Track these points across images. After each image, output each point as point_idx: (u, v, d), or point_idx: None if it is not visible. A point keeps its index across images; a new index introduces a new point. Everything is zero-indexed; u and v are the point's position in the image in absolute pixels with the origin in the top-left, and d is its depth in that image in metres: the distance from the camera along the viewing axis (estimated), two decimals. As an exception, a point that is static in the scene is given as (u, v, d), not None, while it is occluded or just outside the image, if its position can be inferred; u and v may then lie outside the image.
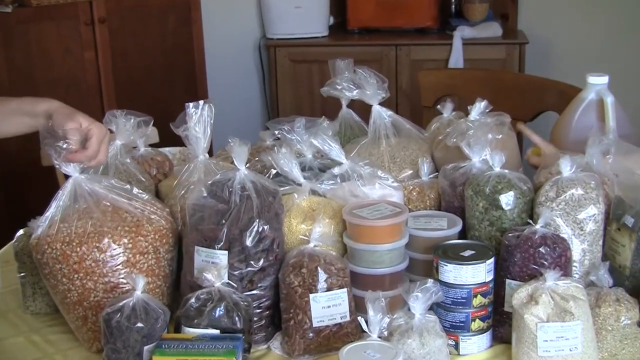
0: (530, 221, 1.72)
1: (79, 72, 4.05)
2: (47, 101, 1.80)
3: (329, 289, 1.67)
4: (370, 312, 1.52)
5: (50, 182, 2.79)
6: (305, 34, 4.70)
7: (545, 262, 1.64)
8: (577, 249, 1.73)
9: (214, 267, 1.65)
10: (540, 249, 1.65)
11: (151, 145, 2.25)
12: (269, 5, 4.74)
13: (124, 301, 1.59)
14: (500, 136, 2.02)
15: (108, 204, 1.73)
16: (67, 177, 1.77)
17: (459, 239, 1.81)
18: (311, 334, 1.67)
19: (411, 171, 2.09)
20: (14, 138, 1.89)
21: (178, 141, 2.03)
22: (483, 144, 1.91)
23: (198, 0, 4.53)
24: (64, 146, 1.68)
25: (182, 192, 1.88)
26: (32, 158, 2.89)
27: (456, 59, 4.45)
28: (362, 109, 2.25)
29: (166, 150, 2.38)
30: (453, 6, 4.81)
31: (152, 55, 4.36)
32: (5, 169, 3.71)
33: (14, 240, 1.95)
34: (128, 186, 1.79)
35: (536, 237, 1.66)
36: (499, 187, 1.78)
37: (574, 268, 1.72)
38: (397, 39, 4.59)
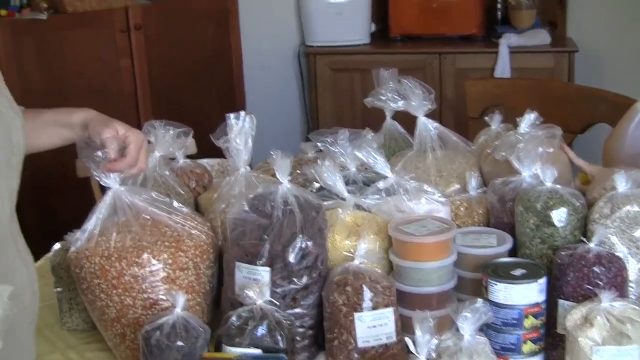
0: (584, 239, 1.71)
1: (114, 80, 4.09)
2: (83, 111, 1.82)
3: (374, 308, 1.66)
4: (418, 333, 1.51)
5: (85, 194, 2.81)
6: (346, 41, 4.70)
7: (601, 283, 1.62)
8: (634, 269, 1.71)
9: (255, 284, 1.65)
10: (595, 268, 1.63)
11: (189, 157, 2.26)
12: (309, 12, 4.76)
13: (164, 319, 1.59)
14: (552, 150, 2.00)
15: (148, 217, 1.74)
16: (104, 189, 1.78)
17: (509, 257, 1.79)
18: (356, 355, 1.67)
19: (459, 186, 2.09)
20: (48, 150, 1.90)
21: (216, 152, 2.04)
22: (534, 158, 1.90)
23: (236, 7, 4.55)
24: (103, 156, 1.69)
25: (223, 206, 1.89)
26: (65, 170, 2.91)
27: (503, 68, 4.43)
28: (406, 120, 2.25)
29: (204, 162, 2.39)
30: (499, 13, 4.79)
31: (189, 64, 4.39)
32: (39, 181, 3.75)
33: (50, 254, 1.96)
34: (168, 199, 1.80)
35: (590, 255, 1.65)
36: (551, 204, 1.77)
37: (630, 289, 1.70)
38: (441, 47, 4.58)
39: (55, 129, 1.83)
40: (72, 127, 1.80)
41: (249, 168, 1.94)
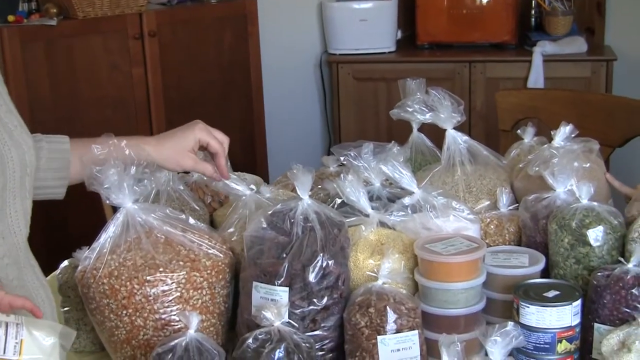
0: (622, 259, 1.70)
1: (126, 89, 4.11)
2: (145, 144, 1.87)
3: (398, 331, 1.66)
4: (444, 357, 1.51)
5: (95, 207, 2.82)
6: (370, 49, 4.71)
7: (639, 305, 1.62)
8: (675, 291, 1.71)
9: (273, 305, 1.65)
10: (634, 290, 1.63)
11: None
12: (332, 18, 4.77)
13: (176, 340, 1.60)
14: (588, 165, 2.00)
15: (160, 235, 1.74)
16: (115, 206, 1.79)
17: (541, 277, 1.79)
18: (379, 380, 1.67)
19: (489, 202, 2.08)
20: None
21: (232, 165, 2.05)
22: (569, 173, 1.90)
23: (255, 13, 4.56)
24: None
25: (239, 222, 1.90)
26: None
27: (536, 78, 4.42)
28: (434, 132, 2.25)
29: (221, 175, 2.40)
30: (533, 19, 4.78)
31: (205, 72, 4.41)
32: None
33: (57, 272, 1.97)
34: (184, 216, 1.81)
35: (628, 277, 1.65)
36: (586, 221, 1.77)
37: (670, 312, 1.70)
38: (471, 55, 4.58)
39: None
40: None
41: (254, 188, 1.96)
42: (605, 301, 1.65)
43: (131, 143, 1.80)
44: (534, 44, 4.49)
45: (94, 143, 1.77)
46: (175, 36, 4.25)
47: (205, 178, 2.13)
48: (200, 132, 1.89)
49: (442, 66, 4.56)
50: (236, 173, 2.44)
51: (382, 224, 1.89)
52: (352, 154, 1.99)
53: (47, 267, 2.05)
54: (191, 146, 1.89)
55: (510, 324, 1.57)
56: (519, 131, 2.33)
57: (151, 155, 1.85)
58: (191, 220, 1.81)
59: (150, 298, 1.69)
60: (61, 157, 1.84)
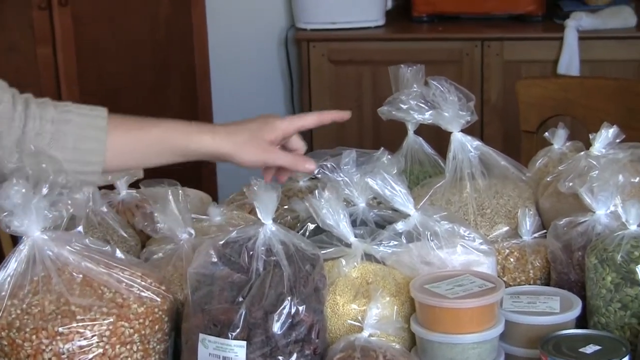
0: (683, 304, 1.73)
1: (28, 75, 4.09)
2: (204, 134, 1.90)
3: (390, 399, 1.68)
4: None
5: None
6: (352, 22, 4.72)
7: None
8: None
9: (226, 365, 1.66)
10: (697, 344, 1.65)
11: (134, 185, 2.26)
12: (301, -18, 4.79)
13: (98, 414, 1.60)
14: (638, 179, 2.02)
15: (77, 273, 1.74)
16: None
17: (577, 327, 1.81)
18: None
19: (507, 228, 2.10)
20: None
21: (170, 175, 2.05)
22: (612, 190, 1.91)
23: (200, -24, 4.58)
24: None
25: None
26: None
27: (569, 61, 4.44)
28: (436, 136, 2.26)
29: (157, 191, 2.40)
30: (565, -16, 4.83)
31: (134, 53, 4.40)
32: None
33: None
34: (108, 248, 1.81)
35: (691, 327, 1.67)
36: (635, 254, 1.79)
37: None
38: (483, 30, 4.61)
39: (163, 155, 1.91)
40: (185, 155, 1.89)
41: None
42: (660, 358, 1.67)
43: (173, 128, 1.87)
44: (567, 16, 4.51)
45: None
46: (94, 5, 4.24)
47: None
48: (283, 123, 1.96)
49: (446, 45, 4.57)
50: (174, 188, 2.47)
51: (369, 257, 1.90)
52: (329, 165, 2.00)
53: None
54: (275, 137, 1.95)
55: (537, 388, 1.59)
56: (546, 134, 2.34)
57: (212, 146, 1.89)
58: (118, 253, 1.81)
59: (64, 356, 1.68)
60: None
